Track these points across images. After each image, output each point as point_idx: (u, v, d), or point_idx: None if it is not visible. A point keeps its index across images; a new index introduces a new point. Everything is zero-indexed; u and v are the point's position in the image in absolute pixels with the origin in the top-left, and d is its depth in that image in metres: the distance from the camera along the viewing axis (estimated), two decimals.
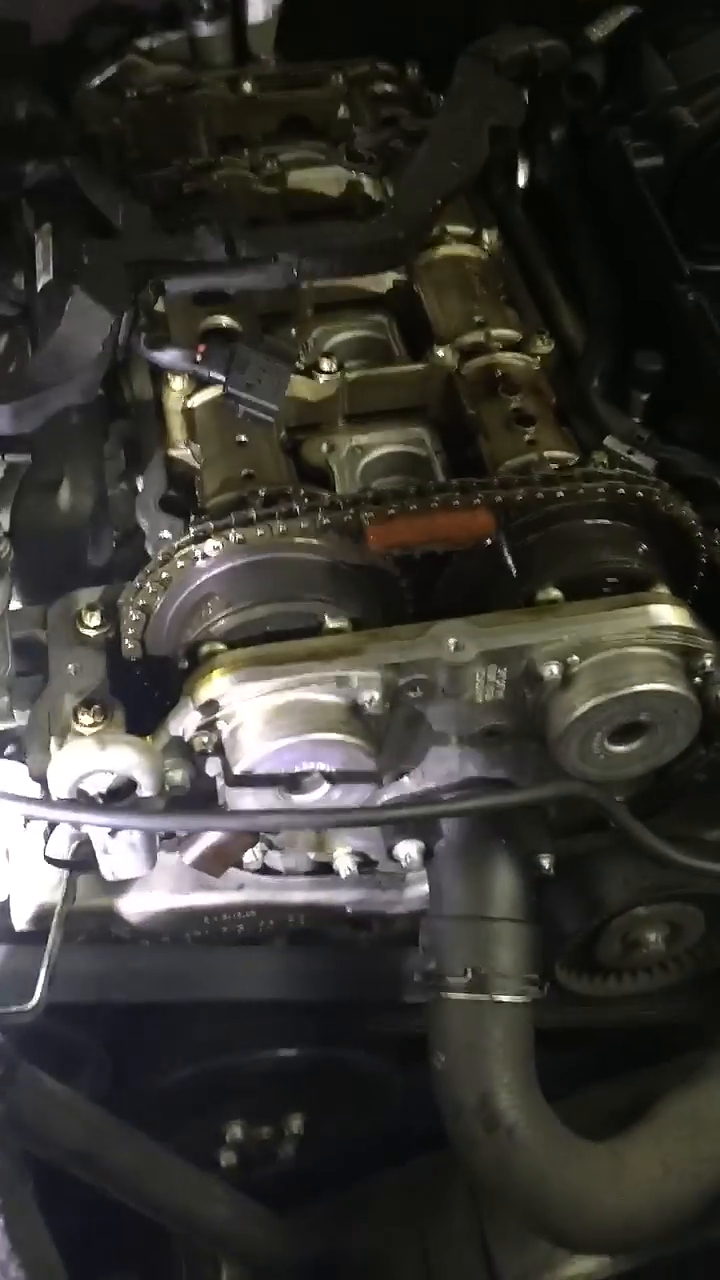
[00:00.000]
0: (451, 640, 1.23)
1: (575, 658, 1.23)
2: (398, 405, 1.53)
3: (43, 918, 1.39)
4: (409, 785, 1.35)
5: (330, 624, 1.25)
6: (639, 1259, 1.57)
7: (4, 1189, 1.25)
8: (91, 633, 1.31)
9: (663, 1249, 1.53)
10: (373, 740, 1.22)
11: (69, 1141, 1.42)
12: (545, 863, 1.40)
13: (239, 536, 1.27)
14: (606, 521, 1.34)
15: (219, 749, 1.23)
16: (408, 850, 1.38)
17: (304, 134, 1.88)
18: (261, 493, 1.36)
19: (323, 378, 1.46)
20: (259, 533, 1.27)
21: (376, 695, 1.21)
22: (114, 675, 1.29)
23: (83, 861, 1.29)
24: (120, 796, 1.20)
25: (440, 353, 1.51)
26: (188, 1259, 1.76)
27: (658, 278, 1.60)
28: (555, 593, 1.28)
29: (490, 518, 1.30)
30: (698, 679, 1.27)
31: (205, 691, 1.21)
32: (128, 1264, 1.80)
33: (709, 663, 1.27)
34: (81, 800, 1.20)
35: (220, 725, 1.22)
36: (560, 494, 1.31)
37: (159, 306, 1.51)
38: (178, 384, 1.46)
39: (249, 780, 1.22)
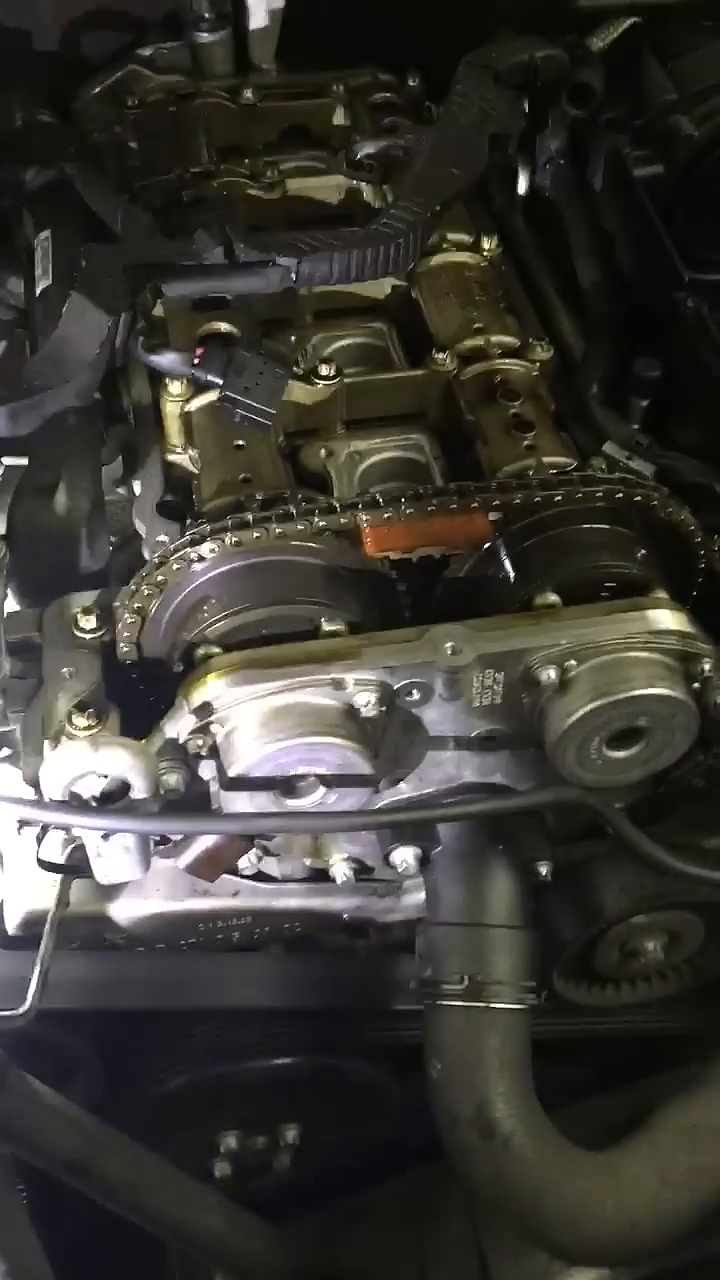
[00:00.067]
0: (449, 644, 1.22)
1: (573, 662, 1.23)
2: (397, 411, 1.53)
3: (35, 923, 1.38)
4: (406, 790, 1.35)
5: (327, 627, 1.25)
6: (638, 1271, 1.56)
7: None
8: (87, 636, 1.30)
9: (662, 1261, 1.52)
10: (369, 744, 1.22)
11: (61, 1150, 1.41)
12: (543, 869, 1.39)
13: (235, 539, 1.27)
14: (605, 526, 1.34)
15: (214, 752, 1.22)
16: (405, 856, 1.37)
17: (304, 143, 1.88)
18: (258, 496, 1.35)
19: (321, 383, 1.46)
20: (255, 536, 1.27)
21: (373, 699, 1.21)
22: (109, 678, 1.28)
23: (76, 866, 1.28)
24: (114, 800, 1.20)
25: (439, 358, 1.51)
26: (182, 1271, 1.75)
27: (657, 285, 1.60)
28: (553, 597, 1.28)
29: (488, 522, 1.30)
30: (696, 684, 1.26)
31: (200, 694, 1.21)
32: (121, 1276, 1.79)
33: (708, 668, 1.26)
34: (74, 803, 1.20)
35: (215, 728, 1.21)
36: (558, 499, 1.31)
37: (158, 311, 1.51)
38: (175, 388, 1.45)
39: (244, 784, 1.22)
